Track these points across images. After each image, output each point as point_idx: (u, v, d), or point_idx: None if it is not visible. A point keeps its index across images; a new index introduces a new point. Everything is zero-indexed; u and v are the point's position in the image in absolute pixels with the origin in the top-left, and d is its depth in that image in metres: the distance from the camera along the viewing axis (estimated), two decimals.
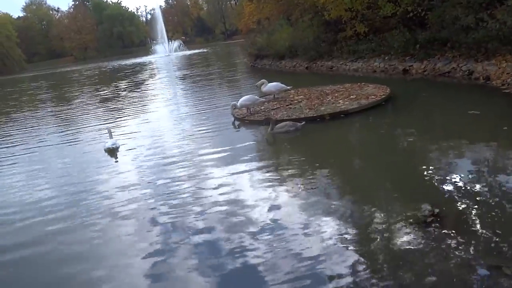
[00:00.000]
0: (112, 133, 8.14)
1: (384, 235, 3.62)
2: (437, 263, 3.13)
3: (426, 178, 4.77)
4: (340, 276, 3.16)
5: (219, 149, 6.89)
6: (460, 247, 3.28)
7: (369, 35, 14.06)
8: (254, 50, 21.74)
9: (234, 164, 5.95)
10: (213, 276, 3.42)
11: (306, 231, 3.83)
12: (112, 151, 7.59)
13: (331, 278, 3.15)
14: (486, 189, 4.20)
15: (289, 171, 5.53)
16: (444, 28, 10.98)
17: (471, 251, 3.22)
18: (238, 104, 8.78)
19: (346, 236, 3.67)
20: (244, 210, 4.44)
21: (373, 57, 13.55)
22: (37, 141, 10.05)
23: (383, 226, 3.76)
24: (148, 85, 21.22)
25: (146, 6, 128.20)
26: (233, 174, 5.56)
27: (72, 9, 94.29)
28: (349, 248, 3.49)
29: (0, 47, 69.23)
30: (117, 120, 11.41)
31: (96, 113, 13.58)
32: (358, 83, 10.22)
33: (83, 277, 3.72)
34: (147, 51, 60.08)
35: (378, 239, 3.57)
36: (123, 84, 22.65)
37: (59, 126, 12.21)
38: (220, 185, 5.21)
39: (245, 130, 8.29)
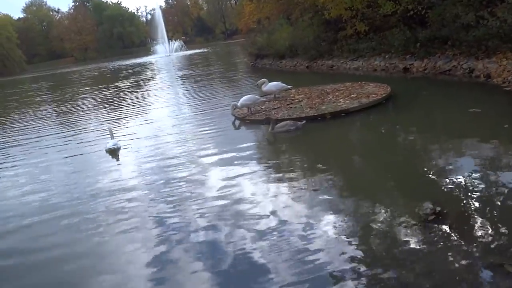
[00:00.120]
0: (114, 134, 8.14)
1: (386, 233, 3.62)
2: (439, 262, 3.13)
3: (427, 176, 4.77)
4: (342, 275, 3.16)
5: (220, 149, 6.89)
6: (462, 246, 3.28)
7: (370, 34, 14.05)
8: (254, 49, 21.74)
9: (235, 164, 5.96)
10: (215, 275, 3.42)
11: (307, 230, 3.83)
12: (114, 152, 7.60)
13: (333, 277, 3.15)
14: (487, 187, 4.20)
15: (291, 170, 5.53)
16: (445, 26, 10.97)
17: (473, 249, 3.22)
18: (238, 103, 8.79)
19: (348, 235, 3.67)
20: (246, 210, 4.44)
21: (373, 55, 13.53)
22: (38, 142, 10.06)
23: (385, 224, 3.77)
24: (149, 86, 21.24)
25: (146, 6, 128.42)
26: (234, 174, 5.56)
27: (72, 10, 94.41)
28: (351, 247, 3.49)
29: (0, 48, 69.33)
30: (118, 120, 11.43)
31: (97, 113, 13.60)
32: (359, 82, 10.22)
33: (84, 276, 3.74)
34: (148, 52, 60.19)
35: (380, 238, 3.57)
36: (124, 85, 22.67)
37: (60, 127, 12.23)
38: (222, 185, 5.21)
39: (246, 129, 8.30)
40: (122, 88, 20.95)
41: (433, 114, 7.53)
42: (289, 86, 10.18)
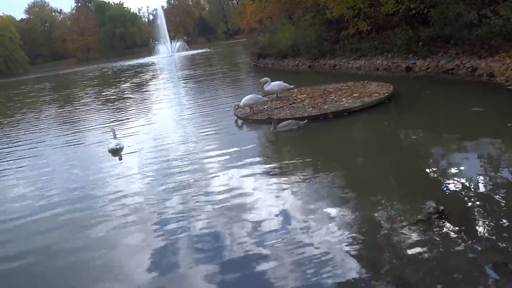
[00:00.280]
0: (116, 134, 8.16)
1: (390, 233, 3.62)
2: (443, 261, 3.13)
3: (430, 175, 4.77)
4: (345, 274, 3.16)
5: (223, 149, 6.89)
6: (465, 244, 3.27)
7: (372, 33, 14.03)
8: (257, 49, 21.74)
9: (237, 163, 5.96)
10: (217, 275, 3.42)
11: (310, 229, 3.84)
12: (116, 152, 7.62)
13: (336, 276, 3.15)
14: (490, 186, 4.19)
15: (293, 170, 5.52)
16: (447, 25, 10.94)
17: (476, 248, 3.21)
18: (241, 103, 8.80)
19: (350, 234, 3.67)
20: (248, 209, 4.45)
21: (375, 55, 13.51)
22: (41, 142, 10.09)
23: (388, 224, 3.76)
24: (151, 86, 21.27)
25: (148, 7, 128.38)
26: (236, 173, 5.57)
27: (74, 11, 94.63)
28: (354, 246, 3.49)
29: (3, 49, 69.54)
30: (121, 121, 11.45)
31: (100, 114, 13.63)
32: (361, 81, 10.20)
33: (87, 275, 3.75)
34: (150, 52, 60.23)
35: (383, 237, 3.57)
36: (126, 85, 22.72)
37: (63, 127, 12.26)
38: (224, 186, 5.22)
39: (248, 129, 8.31)
40: (124, 89, 20.99)
41: (436, 113, 7.51)
42: (291, 86, 10.18)
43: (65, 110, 16.21)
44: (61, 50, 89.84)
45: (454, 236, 3.41)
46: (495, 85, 8.40)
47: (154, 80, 24.64)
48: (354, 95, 8.77)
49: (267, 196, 4.71)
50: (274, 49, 19.61)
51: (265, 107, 9.22)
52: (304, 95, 9.75)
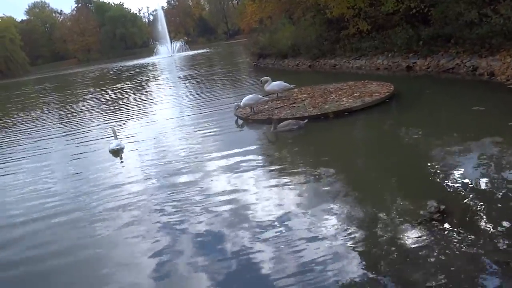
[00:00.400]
0: (117, 134, 8.16)
1: (391, 232, 3.61)
2: (445, 260, 3.12)
3: (431, 174, 4.76)
4: (346, 274, 3.15)
5: (223, 149, 6.89)
6: (467, 244, 3.27)
7: (372, 33, 14.02)
8: (257, 49, 21.75)
9: (238, 163, 5.96)
10: (219, 275, 3.42)
11: (311, 230, 3.83)
12: (117, 152, 7.61)
13: (338, 276, 3.15)
14: (492, 185, 4.19)
15: (294, 170, 5.52)
16: (448, 24, 10.94)
17: (478, 247, 3.20)
18: (241, 103, 8.79)
19: (352, 234, 3.67)
20: (249, 210, 4.44)
21: (376, 54, 13.51)
22: (42, 143, 10.10)
23: (390, 223, 3.76)
24: (152, 86, 21.28)
25: (148, 7, 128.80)
26: (237, 173, 5.57)
27: (74, 12, 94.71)
28: (356, 246, 3.48)
29: (4, 50, 69.63)
30: (122, 121, 11.45)
31: (100, 114, 13.64)
32: (362, 81, 10.20)
33: (90, 275, 3.75)
34: (150, 52, 60.25)
35: (384, 237, 3.56)
36: (127, 86, 22.73)
37: (64, 128, 12.27)
38: (225, 186, 5.22)
39: (249, 129, 8.30)
40: (125, 89, 21.00)
41: (436, 112, 7.50)
42: (291, 86, 10.17)
43: (66, 111, 16.21)
44: (62, 51, 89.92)
45: (456, 235, 3.40)
46: (495, 84, 8.40)
47: (155, 80, 24.65)
48: (355, 94, 8.76)
49: (268, 196, 4.70)
50: (274, 49, 19.61)
51: (266, 107, 9.21)
52: (305, 95, 9.75)
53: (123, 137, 8.85)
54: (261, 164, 5.89)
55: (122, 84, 23.98)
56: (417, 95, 8.90)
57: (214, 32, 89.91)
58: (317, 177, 5.13)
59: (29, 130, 12.61)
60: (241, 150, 6.60)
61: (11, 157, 9.05)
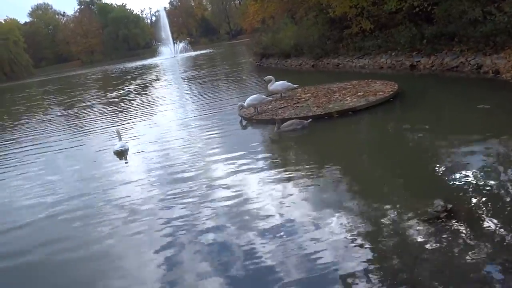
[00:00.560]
0: (121, 136, 8.17)
1: (397, 232, 3.60)
2: (451, 259, 3.11)
3: (437, 174, 4.74)
4: (352, 273, 3.15)
5: (227, 149, 6.90)
6: (474, 243, 3.25)
7: (375, 32, 13.99)
8: (259, 49, 21.75)
9: (242, 163, 5.96)
10: (223, 275, 3.42)
11: (316, 229, 3.83)
12: (122, 154, 7.63)
13: (343, 277, 3.14)
14: (498, 183, 4.16)
15: (298, 169, 5.51)
16: (451, 22, 10.88)
17: (485, 246, 3.19)
18: (245, 103, 8.79)
19: (357, 233, 3.66)
20: (254, 209, 4.44)
21: (379, 53, 13.47)
22: (47, 145, 10.14)
23: (396, 222, 3.74)
24: (155, 87, 21.31)
25: (150, 8, 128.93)
26: (241, 174, 5.57)
27: (77, 13, 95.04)
28: (361, 245, 3.47)
29: (8, 53, 70.01)
30: (126, 123, 11.48)
31: (104, 116, 13.67)
32: (365, 80, 10.17)
33: (96, 274, 3.77)
34: (153, 53, 60.36)
35: (391, 236, 3.55)
36: (130, 87, 22.77)
37: (68, 129, 12.32)
38: (229, 185, 5.22)
39: (253, 129, 8.30)
40: (128, 90, 21.04)
41: (441, 111, 7.47)
42: (295, 85, 10.16)
43: (70, 113, 16.27)
44: (65, 53, 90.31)
45: (463, 234, 3.39)
46: (500, 82, 8.35)
47: (158, 81, 24.69)
48: (359, 94, 8.74)
49: (272, 197, 4.69)
50: (277, 48, 19.61)
51: (269, 107, 9.21)
52: (308, 95, 9.73)
53: (128, 138, 8.86)
54: (266, 165, 5.88)
55: (125, 86, 24.04)
56: (422, 94, 8.86)
57: (217, 32, 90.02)
58: (322, 177, 5.12)
59: (33, 132, 12.66)
60: (245, 150, 6.60)
61: (16, 158, 9.08)
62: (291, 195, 4.69)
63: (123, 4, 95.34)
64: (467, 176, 4.41)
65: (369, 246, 3.46)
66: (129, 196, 5.46)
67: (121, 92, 20.91)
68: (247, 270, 3.45)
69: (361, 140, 6.99)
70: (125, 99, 17.68)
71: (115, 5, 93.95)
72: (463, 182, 4.29)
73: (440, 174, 4.71)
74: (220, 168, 6.00)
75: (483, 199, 3.89)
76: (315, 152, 6.40)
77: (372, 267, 3.18)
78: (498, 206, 3.73)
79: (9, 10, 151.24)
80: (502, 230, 3.35)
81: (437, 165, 4.98)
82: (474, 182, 4.23)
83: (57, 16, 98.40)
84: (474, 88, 8.74)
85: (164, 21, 65.41)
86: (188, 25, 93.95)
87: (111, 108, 15.35)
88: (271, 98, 9.61)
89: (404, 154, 5.71)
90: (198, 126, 9.22)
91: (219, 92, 14.88)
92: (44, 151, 9.48)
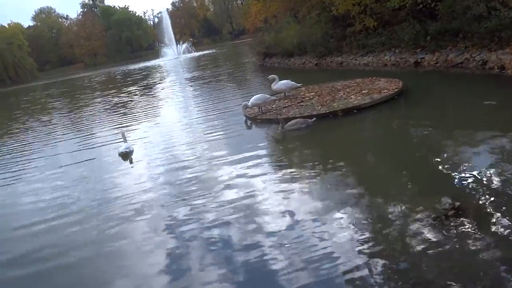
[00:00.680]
0: (126, 137, 8.20)
1: (405, 230, 3.57)
2: (460, 257, 3.08)
3: (444, 171, 4.70)
4: (359, 271, 3.13)
5: (232, 150, 6.89)
6: (482, 241, 3.22)
7: (379, 29, 13.92)
8: (262, 48, 21.71)
9: (247, 163, 5.94)
10: (230, 276, 3.42)
11: (321, 228, 3.81)
12: (126, 155, 7.65)
13: (350, 275, 3.12)
14: (506, 180, 4.11)
15: (304, 169, 5.49)
16: (455, 18, 10.81)
17: (494, 244, 3.15)
18: (249, 103, 8.78)
19: (365, 231, 3.64)
20: (259, 209, 4.43)
21: (383, 50, 13.40)
22: (52, 147, 10.19)
23: (404, 221, 3.71)
24: (159, 89, 21.34)
25: (153, 10, 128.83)
26: (246, 174, 5.56)
27: (80, 16, 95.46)
28: (368, 243, 3.46)
29: (12, 57, 70.46)
30: (130, 124, 11.50)
31: (109, 118, 13.72)
32: (370, 78, 10.12)
33: (102, 274, 3.78)
34: (156, 55, 60.49)
35: (398, 235, 3.53)
36: (134, 89, 22.84)
37: (73, 132, 12.36)
38: (234, 186, 5.21)
39: (257, 129, 8.29)
40: (132, 92, 21.09)
41: (447, 108, 7.42)
42: (299, 84, 10.14)
43: (74, 115, 16.34)
44: (69, 56, 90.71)
45: (471, 232, 3.35)
46: (506, 78, 8.28)
47: (162, 83, 24.72)
48: (363, 91, 8.70)
49: (278, 196, 4.68)
50: (280, 48, 19.57)
51: (274, 106, 9.19)
52: (312, 93, 9.70)
53: (132, 140, 8.88)
54: (271, 163, 5.87)
55: (129, 87, 24.10)
56: (426, 91, 8.80)
57: (219, 32, 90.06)
58: (327, 175, 5.10)
59: (38, 135, 12.73)
60: (250, 150, 6.59)
61: (21, 162, 9.13)
62: (297, 194, 4.67)
63: (126, 6, 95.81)
64: (475, 173, 4.37)
65: (376, 244, 3.43)
66: (134, 197, 5.46)
67: (125, 94, 20.97)
68: (252, 269, 3.44)
69: (367, 138, 6.95)
70: (129, 100, 17.71)
71: (118, 8, 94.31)
72: (470, 180, 4.24)
73: (446, 171, 4.67)
74: (226, 168, 5.99)
75: (491, 196, 3.85)
76: (320, 151, 6.38)
77: (378, 265, 3.16)
78: (506, 203, 3.69)
79: (12, 15, 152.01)
80: (511, 227, 3.31)
81: (444, 163, 4.94)
82: (482, 179, 4.19)
83: (60, 20, 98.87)
84: (479, 84, 8.67)
85: (167, 23, 65.56)
86: (191, 26, 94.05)
87: (116, 110, 15.40)
88: (275, 98, 9.59)
89: (409, 151, 5.67)
90: (202, 126, 9.22)
91: (222, 92, 14.86)
92: (49, 154, 9.52)
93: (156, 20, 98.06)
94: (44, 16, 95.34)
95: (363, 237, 3.57)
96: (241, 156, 6.36)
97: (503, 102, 6.85)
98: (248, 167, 5.78)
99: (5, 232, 5.28)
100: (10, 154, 10.38)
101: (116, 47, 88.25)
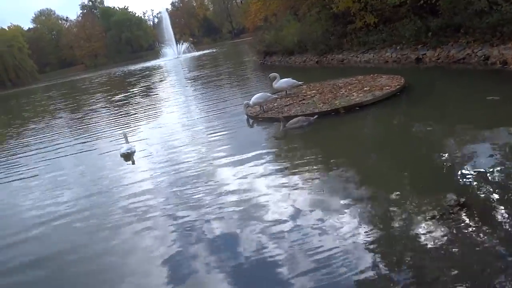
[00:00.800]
0: (128, 138, 8.18)
1: (410, 227, 3.54)
2: (466, 254, 3.05)
3: (447, 168, 4.67)
4: (363, 269, 3.10)
5: (234, 148, 6.87)
6: (488, 237, 3.19)
7: (379, 26, 13.88)
8: (263, 47, 21.67)
9: (249, 162, 5.92)
10: (232, 275, 3.41)
11: (326, 226, 3.79)
12: (128, 156, 7.64)
13: (355, 273, 3.09)
14: (511, 175, 4.08)
15: (306, 167, 5.45)
16: (457, 14, 10.76)
17: (500, 240, 3.12)
18: (251, 102, 8.76)
19: (369, 229, 3.61)
20: (262, 209, 4.40)
21: (384, 47, 13.35)
22: (54, 149, 10.17)
23: (409, 217, 3.68)
24: (159, 89, 21.35)
25: (152, 10, 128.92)
26: (249, 172, 5.53)
27: (80, 18, 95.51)
28: (373, 240, 3.43)
29: (12, 59, 70.61)
30: (132, 125, 11.49)
31: (110, 119, 13.72)
32: (371, 75, 10.07)
33: (104, 277, 3.78)
34: (156, 55, 60.51)
35: (404, 232, 3.50)
36: (135, 89, 22.84)
37: (74, 133, 12.37)
38: (236, 184, 5.19)
39: (259, 127, 8.27)
40: (133, 93, 21.10)
41: (449, 104, 7.38)
42: (300, 82, 10.11)
43: (75, 117, 16.35)
44: (69, 58, 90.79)
45: (477, 228, 3.32)
46: (508, 73, 8.24)
47: (162, 83, 24.74)
48: (365, 89, 8.66)
49: (281, 195, 4.65)
50: (281, 46, 19.52)
51: (275, 104, 9.17)
52: (314, 91, 9.67)
53: (134, 140, 8.86)
54: (273, 162, 5.85)
55: (130, 88, 24.11)
56: (429, 87, 8.77)
57: (219, 32, 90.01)
58: (330, 173, 5.08)
59: (40, 136, 12.73)
60: (252, 149, 6.56)
61: (24, 163, 9.12)
62: (300, 192, 4.64)
63: (125, 7, 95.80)
64: (478, 169, 4.33)
65: (381, 242, 3.41)
66: (136, 197, 5.45)
67: (126, 94, 20.98)
68: (253, 268, 3.43)
69: (369, 135, 6.92)
70: (130, 101, 17.72)
71: (117, 8, 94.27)
72: (475, 176, 4.21)
73: (450, 168, 4.64)
74: (228, 168, 5.97)
75: (496, 192, 3.83)
76: (322, 148, 6.35)
77: (383, 262, 3.14)
78: (510, 199, 3.66)
79: (12, 17, 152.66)
80: None
81: (447, 159, 4.91)
82: (487, 175, 4.16)
83: (60, 21, 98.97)
84: (482, 80, 8.63)
85: (167, 23, 65.52)
86: (191, 26, 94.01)
87: (117, 111, 15.39)
88: (276, 96, 9.57)
89: (412, 148, 5.64)
90: (203, 126, 9.21)
91: (223, 91, 14.84)
92: (51, 155, 9.51)
93: (156, 20, 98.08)
94: (44, 18, 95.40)
95: (368, 233, 3.54)
96: (243, 155, 6.34)
97: (506, 97, 6.80)
98: (251, 167, 5.75)
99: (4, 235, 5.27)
100: (11, 156, 10.38)
101: (116, 48, 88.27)
